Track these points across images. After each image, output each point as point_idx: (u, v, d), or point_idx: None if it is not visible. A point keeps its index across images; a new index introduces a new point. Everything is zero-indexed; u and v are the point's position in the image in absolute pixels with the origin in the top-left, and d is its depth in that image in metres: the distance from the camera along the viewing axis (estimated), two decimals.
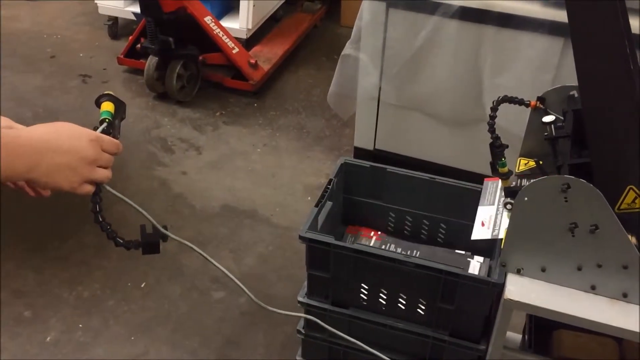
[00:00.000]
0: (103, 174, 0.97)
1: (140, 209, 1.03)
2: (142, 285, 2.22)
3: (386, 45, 2.42)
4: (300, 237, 1.48)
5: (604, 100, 1.16)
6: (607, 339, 1.60)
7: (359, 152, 2.72)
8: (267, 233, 2.47)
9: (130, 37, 3.33)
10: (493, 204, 1.51)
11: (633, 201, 1.19)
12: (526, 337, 1.65)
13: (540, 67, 2.22)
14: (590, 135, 1.19)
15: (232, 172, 2.78)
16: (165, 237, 1.05)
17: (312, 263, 1.51)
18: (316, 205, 1.56)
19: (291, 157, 2.89)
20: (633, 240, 1.19)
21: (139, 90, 3.27)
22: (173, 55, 3.04)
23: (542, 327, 1.61)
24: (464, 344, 1.47)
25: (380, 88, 2.52)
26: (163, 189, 2.65)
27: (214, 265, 1.19)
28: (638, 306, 1.21)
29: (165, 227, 1.05)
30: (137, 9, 3.17)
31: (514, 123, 1.71)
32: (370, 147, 2.70)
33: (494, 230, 1.39)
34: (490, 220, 1.43)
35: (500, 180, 1.58)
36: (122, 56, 3.34)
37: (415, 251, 1.67)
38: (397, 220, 1.74)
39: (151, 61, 3.09)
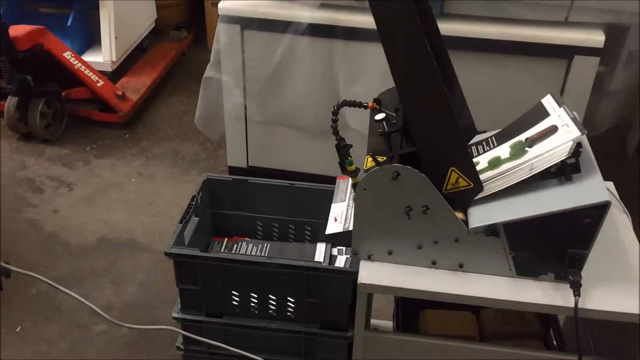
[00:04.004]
0: None
1: None
2: (17, 330, 2.14)
3: (246, 65, 2.51)
4: (166, 254, 1.51)
5: (415, 95, 1.30)
6: (465, 313, 1.76)
7: (234, 171, 2.78)
8: (148, 260, 2.46)
9: None
10: (345, 201, 1.63)
11: (456, 181, 1.34)
12: (394, 321, 1.78)
13: (387, 73, 2.38)
14: (412, 127, 1.33)
15: (107, 205, 2.74)
16: (8, 273, 1.05)
17: (181, 277, 1.55)
18: (180, 222, 1.60)
19: (168, 183, 2.90)
20: (460, 215, 1.33)
21: (1, 133, 3.15)
22: (33, 93, 2.97)
23: (409, 310, 1.74)
24: (333, 334, 1.55)
25: (245, 107, 2.61)
26: (33, 230, 2.57)
27: (81, 299, 1.20)
28: (474, 274, 1.36)
29: (7, 262, 1.05)
30: None
31: (363, 125, 1.85)
32: (244, 165, 2.77)
33: (345, 223, 1.50)
34: (342, 215, 1.55)
35: (350, 178, 1.73)
36: None
37: (265, 247, 1.75)
38: (265, 227, 1.81)
39: (10, 102, 2.99)
